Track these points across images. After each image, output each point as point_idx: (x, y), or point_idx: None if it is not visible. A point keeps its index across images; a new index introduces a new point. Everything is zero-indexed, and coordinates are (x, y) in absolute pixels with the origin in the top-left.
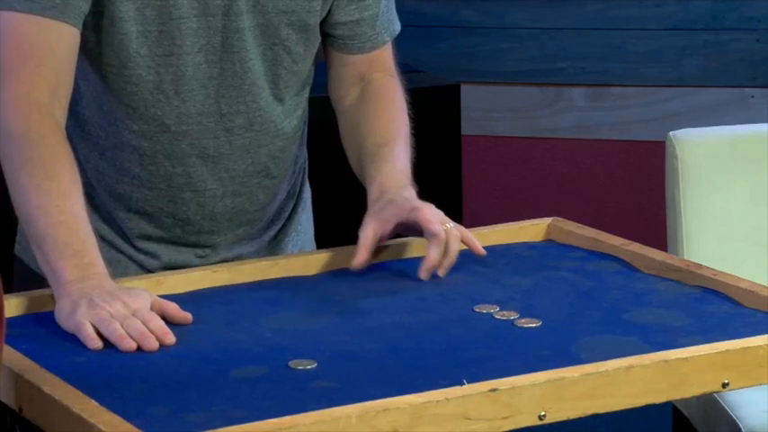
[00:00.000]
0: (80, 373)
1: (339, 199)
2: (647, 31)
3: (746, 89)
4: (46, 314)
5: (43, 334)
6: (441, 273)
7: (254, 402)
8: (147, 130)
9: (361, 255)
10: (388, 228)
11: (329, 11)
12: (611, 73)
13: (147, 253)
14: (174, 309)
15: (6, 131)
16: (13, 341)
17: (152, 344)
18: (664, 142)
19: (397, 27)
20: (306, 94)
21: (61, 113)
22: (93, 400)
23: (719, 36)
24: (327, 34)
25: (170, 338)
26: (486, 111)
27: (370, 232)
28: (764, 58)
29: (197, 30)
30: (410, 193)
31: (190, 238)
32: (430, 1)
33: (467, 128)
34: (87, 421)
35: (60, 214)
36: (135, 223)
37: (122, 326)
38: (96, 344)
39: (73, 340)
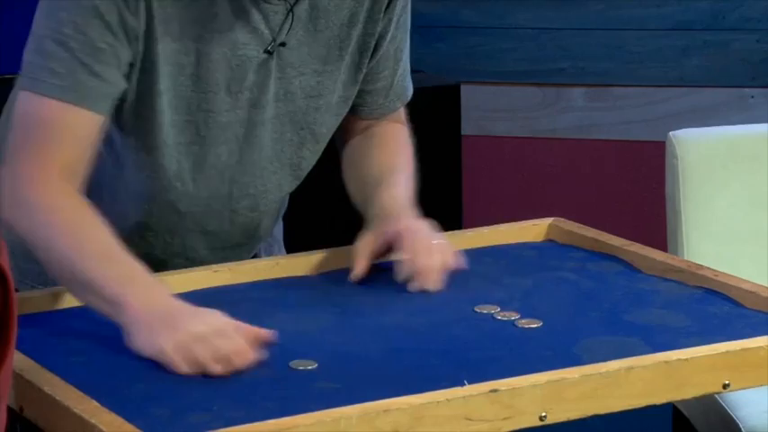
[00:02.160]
0: (81, 373)
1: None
2: (647, 31)
3: (746, 89)
4: (46, 314)
5: (44, 334)
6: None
7: (255, 403)
8: (156, 210)
9: (358, 264)
10: (380, 239)
11: None
12: (611, 73)
13: None
14: (248, 329)
15: (29, 206)
16: None
17: (240, 363)
18: (664, 142)
19: (410, 92)
20: None
21: (78, 188)
22: (93, 401)
23: (720, 36)
24: None
25: (252, 356)
26: (486, 111)
27: (363, 242)
28: (764, 59)
29: (224, 123)
30: (409, 212)
31: (167, 264)
32: (430, 1)
33: (467, 128)
34: (88, 422)
35: (102, 254)
36: None
37: (208, 348)
38: (187, 369)
39: (74, 340)
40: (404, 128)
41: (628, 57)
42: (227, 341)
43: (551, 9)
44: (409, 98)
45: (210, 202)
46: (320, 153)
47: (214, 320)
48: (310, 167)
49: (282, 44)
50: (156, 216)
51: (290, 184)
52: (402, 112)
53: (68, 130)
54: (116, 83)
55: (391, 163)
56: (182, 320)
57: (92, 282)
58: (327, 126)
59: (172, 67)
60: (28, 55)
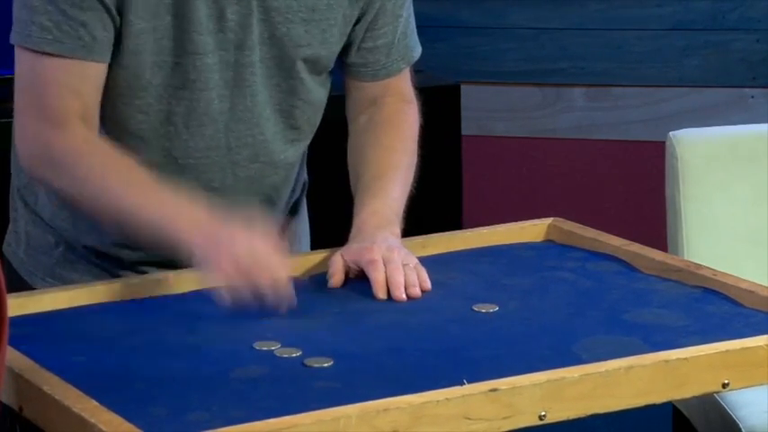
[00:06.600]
0: (80, 372)
1: (336, 204)
2: (647, 31)
3: (746, 89)
4: (46, 314)
5: (43, 334)
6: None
7: (255, 402)
8: (154, 161)
9: (335, 277)
10: (353, 265)
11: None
12: (611, 73)
13: (137, 272)
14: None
15: (54, 162)
16: (13, 341)
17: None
18: (664, 142)
19: (417, 53)
20: (318, 122)
21: (94, 131)
22: (93, 400)
23: (720, 36)
24: (342, 61)
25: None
26: (486, 111)
27: (338, 263)
28: (764, 59)
29: (211, 66)
30: (386, 234)
31: (183, 260)
32: (430, 1)
33: (467, 128)
34: (87, 421)
35: (141, 195)
36: (126, 254)
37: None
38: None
39: (74, 340)
40: (410, 108)
41: (628, 57)
42: (264, 254)
43: (551, 9)
44: (415, 59)
45: (209, 154)
46: (317, 106)
47: (255, 240)
48: (307, 119)
49: None
50: (155, 168)
51: (289, 134)
52: (407, 83)
53: (68, 85)
54: (107, 27)
55: (386, 164)
56: (225, 237)
57: (146, 221)
58: (319, 77)
59: (153, 7)
60: (16, 10)
